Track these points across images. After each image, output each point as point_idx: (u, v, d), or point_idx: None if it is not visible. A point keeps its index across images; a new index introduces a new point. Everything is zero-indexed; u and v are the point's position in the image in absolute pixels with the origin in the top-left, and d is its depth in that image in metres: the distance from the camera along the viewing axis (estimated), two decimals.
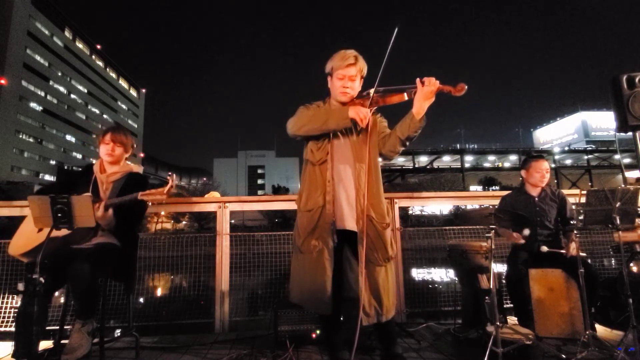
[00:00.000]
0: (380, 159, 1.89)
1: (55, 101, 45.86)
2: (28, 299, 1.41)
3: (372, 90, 1.73)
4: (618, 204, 1.96)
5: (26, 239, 1.80)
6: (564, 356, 1.91)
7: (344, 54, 1.81)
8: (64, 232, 1.73)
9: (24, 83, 40.34)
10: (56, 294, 1.91)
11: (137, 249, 2.10)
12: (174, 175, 1.96)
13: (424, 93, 1.61)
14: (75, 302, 1.76)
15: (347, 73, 1.79)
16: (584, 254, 2.30)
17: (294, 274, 1.86)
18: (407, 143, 1.76)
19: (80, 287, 1.69)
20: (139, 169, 2.13)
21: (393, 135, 1.78)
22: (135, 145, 2.17)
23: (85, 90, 52.51)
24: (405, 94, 1.69)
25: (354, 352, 1.61)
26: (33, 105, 42.05)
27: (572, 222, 2.44)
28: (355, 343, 1.61)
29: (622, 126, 2.42)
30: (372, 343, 2.07)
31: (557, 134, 63.56)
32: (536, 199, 2.53)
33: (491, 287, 1.82)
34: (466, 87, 1.56)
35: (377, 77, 1.68)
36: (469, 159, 46.56)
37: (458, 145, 48.58)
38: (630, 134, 2.48)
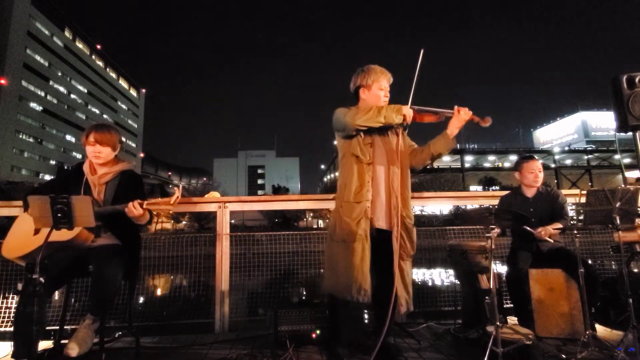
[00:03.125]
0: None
1: (55, 101, 45.85)
2: (27, 299, 1.40)
3: (408, 106, 1.88)
4: (618, 204, 1.96)
5: (22, 241, 1.77)
6: (564, 356, 1.91)
7: (380, 69, 2.02)
8: (63, 236, 1.72)
9: (24, 83, 40.32)
10: (56, 294, 1.91)
11: (140, 249, 2.08)
12: (181, 186, 1.96)
13: (460, 120, 1.89)
14: (95, 298, 1.76)
15: (385, 86, 2.03)
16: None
17: (334, 265, 1.90)
18: (436, 159, 2.01)
19: (107, 285, 1.71)
20: (130, 165, 2.07)
21: (426, 151, 2.01)
22: (123, 140, 2.09)
23: (85, 90, 52.51)
24: (437, 116, 1.93)
25: (380, 342, 1.78)
26: (33, 105, 42.03)
27: (565, 215, 2.43)
28: (382, 334, 1.78)
29: (622, 126, 2.42)
30: (373, 343, 2.07)
31: (557, 134, 63.50)
32: (530, 200, 2.54)
33: (491, 287, 1.82)
34: (491, 120, 1.86)
35: (409, 96, 1.89)
36: (469, 159, 46.53)
37: (458, 145, 48.40)
38: (630, 134, 2.48)
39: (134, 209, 1.77)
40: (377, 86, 2.01)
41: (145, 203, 1.78)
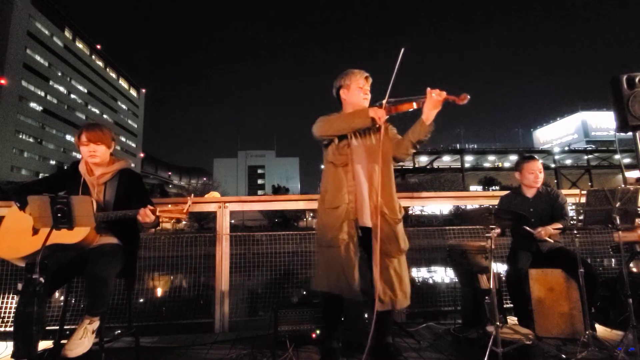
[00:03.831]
0: (394, 162, 2.07)
1: (55, 101, 45.82)
2: (27, 299, 1.40)
3: (384, 101, 1.89)
4: (618, 204, 1.96)
5: (19, 241, 1.76)
6: (564, 356, 1.91)
7: (358, 70, 2.08)
8: (69, 239, 1.72)
9: (24, 83, 40.30)
10: (56, 294, 1.90)
11: (138, 248, 2.07)
12: (192, 195, 1.99)
13: (433, 102, 1.80)
14: (90, 299, 1.74)
15: (363, 85, 2.07)
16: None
17: (324, 266, 1.96)
18: (418, 146, 1.96)
19: (99, 284, 1.69)
20: (127, 163, 2.04)
21: (405, 140, 1.98)
22: (116, 138, 2.04)
23: (85, 90, 52.47)
24: (414, 103, 1.87)
25: (370, 340, 1.76)
26: (33, 105, 42.01)
27: (564, 216, 2.43)
28: (371, 331, 1.75)
29: (622, 126, 2.42)
30: (372, 343, 2.07)
31: (557, 134, 63.48)
32: (530, 200, 2.54)
33: (491, 287, 1.82)
34: (468, 96, 1.73)
35: (386, 91, 1.86)
36: (469, 159, 46.52)
37: (458, 145, 48.51)
38: (630, 134, 2.48)
39: (147, 216, 1.78)
40: (356, 85, 2.06)
41: (158, 210, 1.79)
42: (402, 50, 1.78)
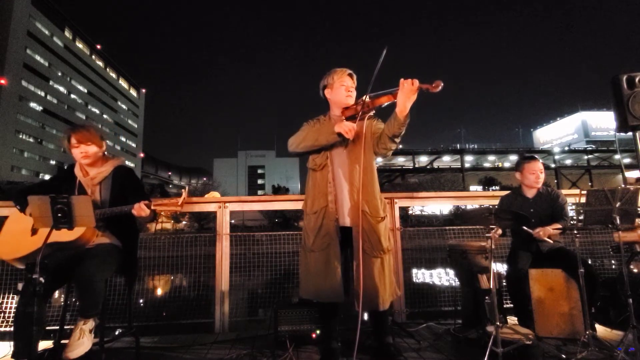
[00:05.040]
0: (378, 158, 2.05)
1: (55, 101, 45.78)
2: (27, 299, 1.40)
3: (365, 97, 1.87)
4: (618, 204, 1.96)
5: (18, 242, 1.76)
6: (564, 356, 1.91)
7: (341, 69, 2.08)
8: (66, 237, 1.72)
9: (24, 83, 40.27)
10: (56, 294, 1.91)
11: (137, 246, 2.08)
12: (187, 188, 2.00)
13: (405, 92, 1.74)
14: (80, 301, 1.73)
15: (347, 83, 2.06)
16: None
17: (305, 272, 1.99)
18: (396, 140, 1.88)
19: (86, 286, 1.68)
20: (119, 161, 2.04)
21: (383, 135, 1.92)
22: (105, 136, 2.03)
23: (85, 90, 52.41)
24: (392, 95, 1.84)
25: (357, 340, 1.70)
26: (33, 105, 41.98)
27: (565, 216, 2.43)
28: (357, 331, 1.70)
29: (622, 126, 2.43)
30: (372, 343, 2.08)
31: (557, 134, 63.47)
32: (531, 200, 2.53)
33: (491, 287, 1.82)
34: (442, 84, 1.66)
35: (368, 88, 1.84)
36: (469, 159, 46.53)
37: (458, 145, 48.60)
38: (630, 134, 2.48)
39: (142, 210, 1.79)
40: (339, 83, 2.05)
41: (152, 204, 1.79)
42: (385, 49, 1.73)
